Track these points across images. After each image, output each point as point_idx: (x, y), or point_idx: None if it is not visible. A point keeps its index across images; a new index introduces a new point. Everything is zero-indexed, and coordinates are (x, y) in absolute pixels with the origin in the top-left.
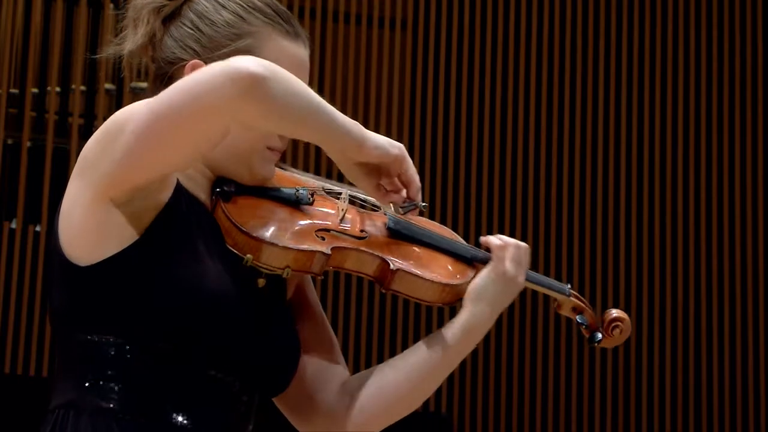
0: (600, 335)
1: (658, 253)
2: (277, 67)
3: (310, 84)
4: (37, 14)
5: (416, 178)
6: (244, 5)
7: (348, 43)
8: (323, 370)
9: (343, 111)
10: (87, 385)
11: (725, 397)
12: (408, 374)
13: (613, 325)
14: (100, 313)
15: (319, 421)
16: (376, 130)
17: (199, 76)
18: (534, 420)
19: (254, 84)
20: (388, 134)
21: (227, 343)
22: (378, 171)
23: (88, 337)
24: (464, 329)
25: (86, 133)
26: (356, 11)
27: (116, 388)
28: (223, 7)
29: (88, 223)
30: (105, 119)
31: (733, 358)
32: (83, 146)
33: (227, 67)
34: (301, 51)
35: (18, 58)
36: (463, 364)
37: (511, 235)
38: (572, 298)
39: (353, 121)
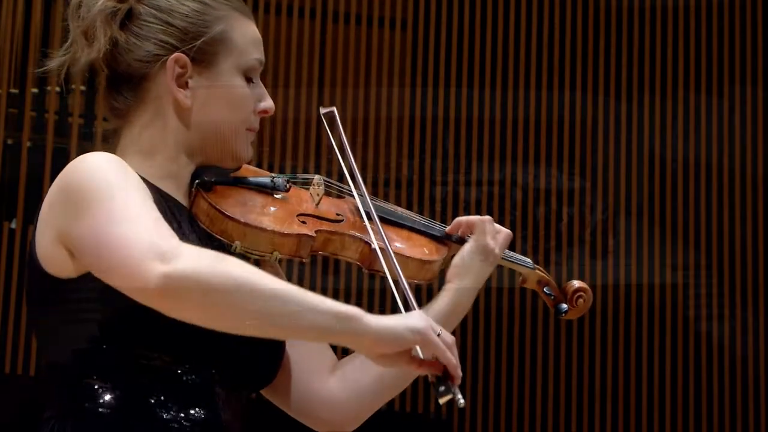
0: (565, 306)
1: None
2: (214, 270)
3: (310, 82)
4: (37, 14)
5: (450, 359)
6: None
7: (348, 43)
8: (313, 358)
9: (343, 111)
10: (81, 392)
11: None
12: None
13: (577, 295)
14: (84, 323)
15: (319, 409)
16: (376, 130)
17: (129, 254)
18: (534, 424)
19: (160, 296)
20: (387, 136)
21: (214, 339)
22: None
23: (77, 347)
24: (453, 302)
25: (86, 133)
26: (356, 11)
27: (110, 393)
28: None
29: (55, 252)
30: (105, 119)
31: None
32: (83, 146)
33: (139, 275)
34: (257, 30)
35: (18, 58)
36: (462, 366)
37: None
38: (537, 271)
39: (351, 313)
